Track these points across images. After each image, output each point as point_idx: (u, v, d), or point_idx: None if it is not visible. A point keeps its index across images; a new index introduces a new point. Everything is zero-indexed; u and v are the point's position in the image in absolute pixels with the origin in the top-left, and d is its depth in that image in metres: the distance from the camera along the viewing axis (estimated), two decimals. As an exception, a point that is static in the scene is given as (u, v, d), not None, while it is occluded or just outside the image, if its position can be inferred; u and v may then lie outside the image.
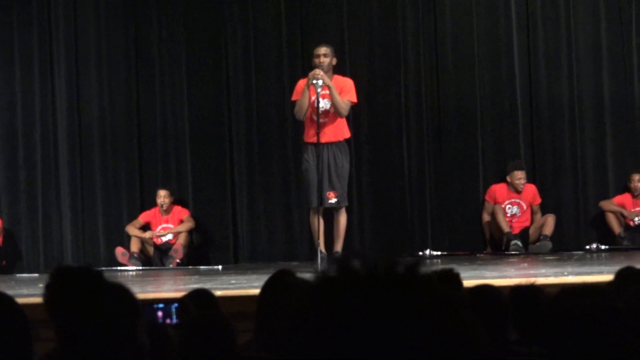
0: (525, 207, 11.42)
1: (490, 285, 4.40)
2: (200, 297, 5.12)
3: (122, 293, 2.61)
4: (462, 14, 11.65)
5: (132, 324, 2.55)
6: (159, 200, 11.48)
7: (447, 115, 11.60)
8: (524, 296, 4.17)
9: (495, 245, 11.35)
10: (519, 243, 11.07)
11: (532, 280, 4.41)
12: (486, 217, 11.45)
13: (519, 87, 11.57)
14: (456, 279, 4.17)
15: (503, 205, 11.40)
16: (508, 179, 11.39)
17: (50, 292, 2.64)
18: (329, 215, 9.98)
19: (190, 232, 11.55)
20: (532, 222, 11.45)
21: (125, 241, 11.46)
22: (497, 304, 3.96)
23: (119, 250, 11.24)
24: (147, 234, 11.41)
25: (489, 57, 11.64)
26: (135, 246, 11.33)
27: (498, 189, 11.44)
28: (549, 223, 11.27)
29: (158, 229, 11.47)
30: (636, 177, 11.35)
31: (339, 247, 9.88)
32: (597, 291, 2.52)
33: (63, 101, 11.69)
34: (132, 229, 11.44)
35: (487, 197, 11.48)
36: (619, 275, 4.24)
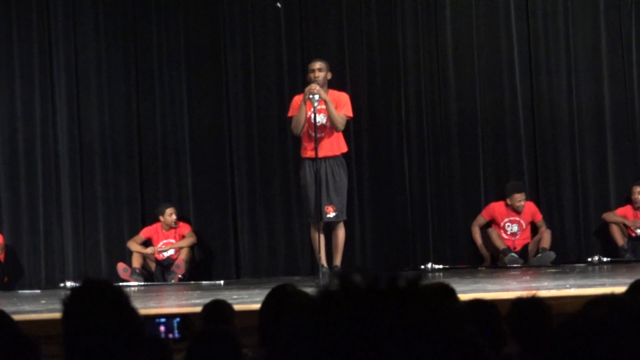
0: (524, 225, 11.41)
1: (484, 300, 4.38)
2: (216, 309, 5.14)
3: (131, 313, 2.62)
4: (462, 28, 11.66)
5: (138, 343, 2.57)
6: (170, 218, 11.43)
7: (448, 128, 11.60)
8: (525, 309, 4.14)
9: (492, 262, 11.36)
10: (515, 255, 11.08)
11: (532, 292, 4.37)
12: (476, 230, 11.43)
13: (520, 100, 11.57)
14: (451, 293, 4.12)
15: (502, 224, 11.39)
16: (508, 201, 11.37)
17: (70, 305, 2.65)
18: (329, 229, 9.97)
19: (192, 248, 11.54)
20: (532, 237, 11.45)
21: (126, 257, 11.45)
22: (492, 318, 3.93)
23: (121, 266, 11.23)
24: (149, 250, 11.40)
25: (490, 71, 11.64)
26: (137, 262, 11.33)
27: (497, 207, 11.42)
28: (546, 237, 11.28)
29: (160, 245, 11.46)
30: (637, 189, 11.35)
31: (338, 261, 9.87)
32: (616, 303, 2.49)
33: (64, 117, 11.68)
34: (134, 245, 11.43)
35: (483, 213, 11.45)
36: (634, 287, 4.10)
